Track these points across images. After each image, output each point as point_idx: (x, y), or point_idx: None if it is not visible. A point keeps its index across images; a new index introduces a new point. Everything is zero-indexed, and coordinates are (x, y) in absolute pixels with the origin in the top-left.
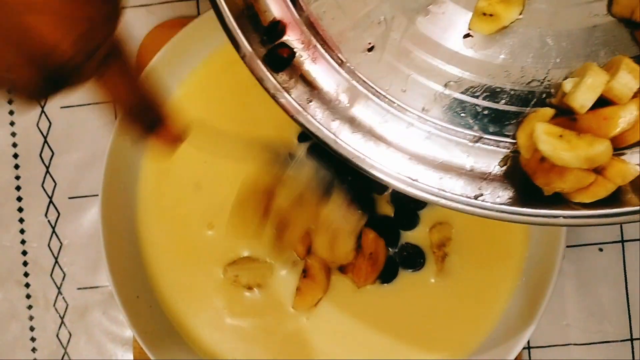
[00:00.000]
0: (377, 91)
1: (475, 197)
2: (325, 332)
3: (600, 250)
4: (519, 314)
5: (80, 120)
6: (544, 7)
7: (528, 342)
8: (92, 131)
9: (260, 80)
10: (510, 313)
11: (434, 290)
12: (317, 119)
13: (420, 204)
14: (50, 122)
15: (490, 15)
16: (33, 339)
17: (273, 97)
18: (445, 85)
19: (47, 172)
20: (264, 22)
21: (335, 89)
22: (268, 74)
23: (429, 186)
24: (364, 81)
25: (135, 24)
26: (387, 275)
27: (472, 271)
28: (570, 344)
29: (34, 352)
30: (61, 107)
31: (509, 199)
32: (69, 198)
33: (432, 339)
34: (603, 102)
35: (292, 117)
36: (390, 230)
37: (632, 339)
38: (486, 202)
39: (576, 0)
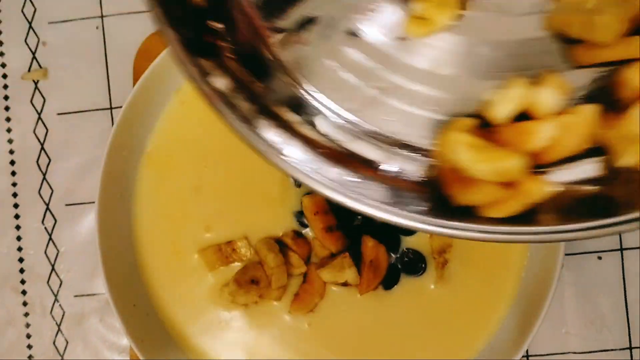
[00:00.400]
0: (307, 89)
1: (395, 204)
2: (326, 338)
3: (599, 258)
4: (518, 322)
5: (78, 127)
6: (480, 15)
7: (527, 351)
8: (89, 138)
9: (180, 64)
10: (509, 321)
11: (434, 297)
12: (240, 110)
13: None
14: (47, 129)
15: (424, 18)
16: (30, 346)
17: (193, 82)
18: (375, 88)
19: (44, 178)
20: (194, 3)
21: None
22: (190, 59)
23: (347, 190)
24: (293, 77)
25: (133, 30)
26: (389, 281)
27: (471, 279)
28: (570, 352)
29: None
30: (58, 114)
31: (430, 208)
32: (66, 205)
33: (431, 346)
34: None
35: (211, 105)
36: (390, 236)
37: (631, 348)
38: (405, 210)
39: (512, 12)
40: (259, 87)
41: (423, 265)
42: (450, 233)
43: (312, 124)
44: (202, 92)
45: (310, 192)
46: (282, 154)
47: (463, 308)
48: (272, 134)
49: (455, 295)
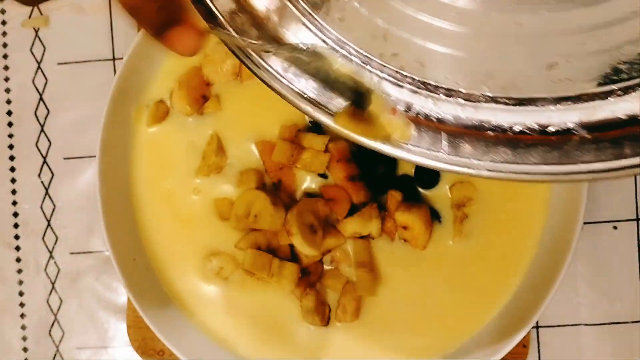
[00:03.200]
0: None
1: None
2: None
3: (615, 228)
4: (535, 285)
5: (78, 78)
6: None
7: (537, 321)
8: (90, 89)
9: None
10: (527, 281)
11: (452, 253)
12: (246, 36)
13: None
14: (46, 79)
15: None
16: (22, 304)
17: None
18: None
19: (42, 130)
20: None
21: (266, 5)
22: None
23: None
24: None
25: None
26: None
27: (490, 237)
28: (581, 324)
29: (23, 318)
30: (58, 64)
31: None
32: (64, 159)
33: (448, 304)
34: None
35: (210, 25)
36: (410, 189)
37: None
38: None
39: None
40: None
41: (437, 221)
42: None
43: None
44: (197, 8)
45: (334, 139)
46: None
47: (480, 267)
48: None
49: (473, 253)
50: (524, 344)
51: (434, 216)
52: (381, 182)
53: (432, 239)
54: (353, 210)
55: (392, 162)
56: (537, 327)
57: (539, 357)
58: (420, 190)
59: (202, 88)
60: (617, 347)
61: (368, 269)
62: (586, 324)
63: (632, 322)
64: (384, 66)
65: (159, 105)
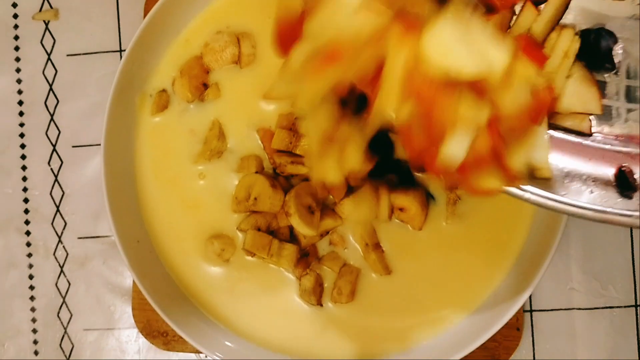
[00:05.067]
0: None
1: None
2: None
3: None
4: (527, 264)
5: (87, 69)
6: None
7: (530, 305)
8: (98, 79)
9: None
10: (519, 263)
11: (446, 234)
12: None
13: None
14: (56, 70)
15: None
16: (32, 287)
17: None
18: None
19: (52, 120)
20: None
21: None
22: None
23: None
24: None
25: None
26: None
27: (484, 218)
28: (574, 309)
29: (32, 301)
30: (68, 55)
31: None
32: (73, 147)
33: (442, 285)
34: None
35: None
36: (405, 172)
37: (636, 305)
38: None
39: None
40: None
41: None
42: None
43: None
44: None
45: None
46: None
47: (473, 248)
48: None
49: (466, 235)
50: (517, 327)
51: (429, 197)
52: (378, 165)
53: (427, 220)
54: (350, 193)
55: (389, 146)
56: (531, 311)
57: (533, 340)
58: (416, 173)
59: (202, 76)
60: (610, 331)
61: (380, 250)
62: (579, 308)
63: (625, 306)
64: None
65: (162, 94)
